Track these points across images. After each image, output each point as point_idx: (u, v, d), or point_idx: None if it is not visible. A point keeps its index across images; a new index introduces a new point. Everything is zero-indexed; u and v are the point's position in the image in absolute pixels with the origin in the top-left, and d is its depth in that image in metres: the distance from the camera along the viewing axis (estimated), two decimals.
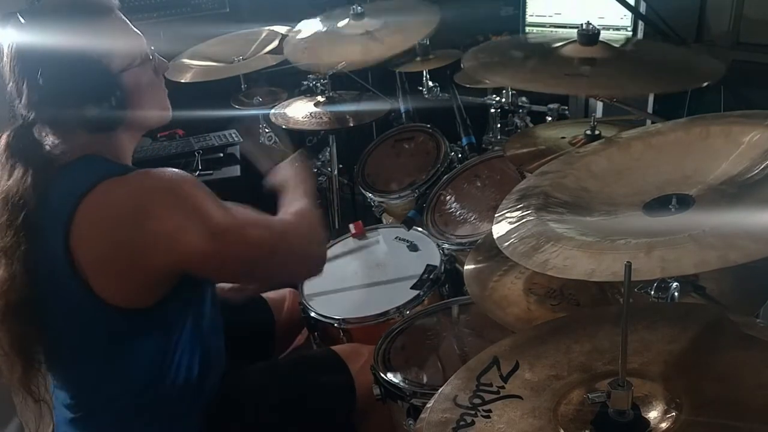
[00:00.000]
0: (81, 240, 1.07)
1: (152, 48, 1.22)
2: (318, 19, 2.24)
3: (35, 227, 1.10)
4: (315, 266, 1.32)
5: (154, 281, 1.11)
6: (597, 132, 1.54)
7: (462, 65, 1.38)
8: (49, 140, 1.15)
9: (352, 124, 2.20)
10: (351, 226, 1.95)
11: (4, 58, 1.12)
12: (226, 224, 1.12)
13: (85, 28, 1.12)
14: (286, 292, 1.80)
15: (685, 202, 0.93)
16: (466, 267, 1.40)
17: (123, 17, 1.19)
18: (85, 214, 1.07)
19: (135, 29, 1.20)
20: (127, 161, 1.23)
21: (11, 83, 1.12)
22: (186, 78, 2.29)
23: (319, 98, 2.28)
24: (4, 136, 1.15)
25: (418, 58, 2.44)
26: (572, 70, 1.23)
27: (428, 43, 2.45)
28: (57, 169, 1.12)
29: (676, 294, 0.96)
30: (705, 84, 1.11)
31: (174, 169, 1.13)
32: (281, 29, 2.44)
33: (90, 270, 1.08)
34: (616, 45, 1.29)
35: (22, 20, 1.10)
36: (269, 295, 1.75)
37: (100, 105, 1.11)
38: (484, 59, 1.38)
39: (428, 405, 0.81)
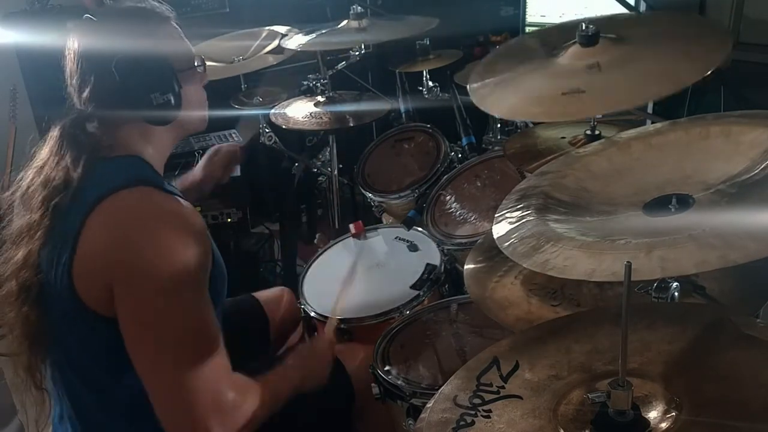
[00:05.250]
0: (85, 239, 1.08)
1: (202, 58, 1.31)
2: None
3: (64, 213, 1.13)
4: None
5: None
6: (597, 132, 1.54)
7: (470, 94, 1.35)
8: (99, 134, 1.20)
9: (352, 124, 2.20)
10: (351, 226, 1.95)
11: (70, 54, 1.19)
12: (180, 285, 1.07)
13: (149, 31, 1.23)
14: (280, 290, 1.81)
15: (685, 202, 0.93)
16: (466, 267, 1.40)
17: (177, 26, 1.28)
18: (98, 215, 1.08)
19: (186, 39, 1.30)
20: (163, 162, 1.28)
21: (76, 77, 1.19)
22: None
23: (319, 98, 2.28)
24: (59, 126, 1.21)
25: (419, 58, 2.45)
26: (572, 85, 1.20)
27: (428, 43, 2.45)
28: (99, 162, 1.16)
29: (676, 294, 0.96)
30: (710, 71, 1.08)
31: (187, 209, 1.14)
32: (281, 29, 2.44)
33: (78, 271, 1.08)
34: (616, 36, 1.27)
35: (94, 19, 1.19)
36: (262, 295, 1.75)
37: (163, 96, 1.20)
38: (487, 82, 1.35)
39: (428, 405, 0.81)
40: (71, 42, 1.19)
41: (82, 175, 1.14)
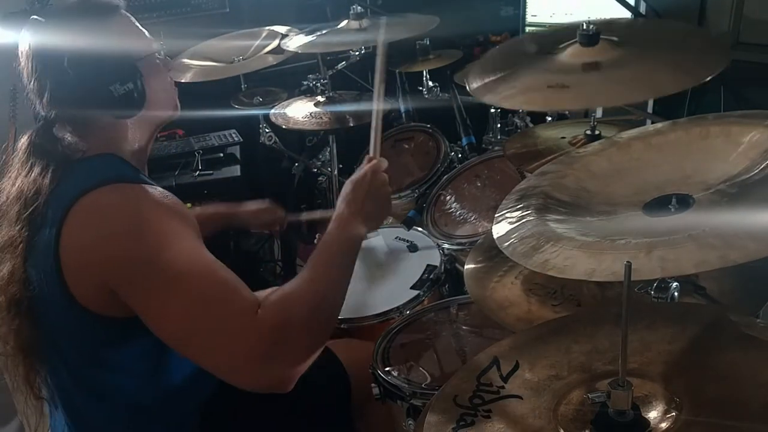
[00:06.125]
0: (67, 240, 1.07)
1: (161, 44, 1.27)
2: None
3: (41, 220, 1.11)
4: (258, 379, 1.04)
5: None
6: (597, 132, 1.54)
7: (468, 88, 1.35)
8: (70, 138, 1.18)
9: (352, 124, 2.20)
10: None
11: (23, 60, 1.17)
12: (179, 268, 1.04)
13: (98, 24, 1.19)
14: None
15: (685, 202, 0.93)
16: (466, 267, 1.41)
17: (129, 15, 1.25)
18: (76, 214, 1.07)
19: (141, 27, 1.26)
20: (144, 161, 1.27)
21: (33, 82, 1.16)
22: (186, 78, 2.28)
23: (319, 98, 2.28)
24: (26, 137, 1.19)
25: (419, 58, 2.45)
26: (566, 79, 1.20)
27: (428, 43, 2.45)
28: (73, 163, 1.15)
29: (676, 294, 0.96)
30: (708, 78, 1.09)
31: (172, 197, 1.14)
32: (281, 29, 2.44)
33: (69, 273, 1.07)
34: (617, 39, 1.27)
35: (41, 20, 1.16)
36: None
37: (123, 86, 1.16)
38: (486, 75, 1.35)
39: (428, 405, 0.81)
40: (22, 47, 1.17)
41: (54, 180, 1.12)
